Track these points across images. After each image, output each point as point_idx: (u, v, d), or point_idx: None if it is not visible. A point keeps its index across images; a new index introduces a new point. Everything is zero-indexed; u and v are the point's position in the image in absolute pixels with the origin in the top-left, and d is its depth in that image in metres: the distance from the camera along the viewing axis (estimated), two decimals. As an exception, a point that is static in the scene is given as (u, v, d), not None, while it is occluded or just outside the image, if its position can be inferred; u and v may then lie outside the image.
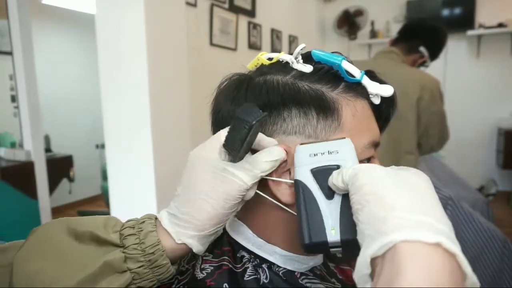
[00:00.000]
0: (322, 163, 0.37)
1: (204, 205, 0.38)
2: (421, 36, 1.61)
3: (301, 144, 0.40)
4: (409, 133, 1.52)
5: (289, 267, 0.45)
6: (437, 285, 0.23)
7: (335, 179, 0.35)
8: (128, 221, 0.40)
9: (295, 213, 0.40)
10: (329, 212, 0.35)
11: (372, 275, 0.27)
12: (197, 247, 0.38)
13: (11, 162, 2.31)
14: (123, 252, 0.35)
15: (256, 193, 0.41)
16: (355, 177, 0.32)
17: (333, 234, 0.34)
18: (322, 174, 0.36)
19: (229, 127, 0.37)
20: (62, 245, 0.35)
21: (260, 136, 0.40)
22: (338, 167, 0.37)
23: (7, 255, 0.36)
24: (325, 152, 0.38)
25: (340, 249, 0.34)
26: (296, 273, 0.45)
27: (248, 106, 0.36)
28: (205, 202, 0.38)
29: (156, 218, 0.40)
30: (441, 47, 1.66)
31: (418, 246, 0.25)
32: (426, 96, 1.50)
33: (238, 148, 0.37)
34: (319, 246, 0.34)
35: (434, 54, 1.65)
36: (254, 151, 0.40)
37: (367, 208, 0.29)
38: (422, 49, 1.61)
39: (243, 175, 0.38)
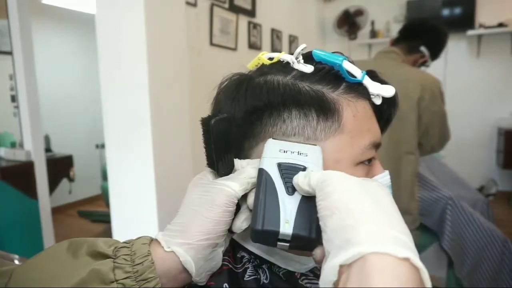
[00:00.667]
0: (290, 160, 0.38)
1: (193, 214, 0.37)
2: (422, 36, 1.61)
3: (274, 138, 0.41)
4: (409, 133, 1.51)
5: (289, 268, 0.45)
6: None
7: (301, 181, 0.35)
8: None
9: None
10: (287, 206, 0.35)
11: (336, 282, 0.28)
12: (184, 256, 0.36)
13: (11, 162, 2.31)
14: (113, 262, 0.35)
15: None
16: (324, 182, 0.32)
17: (286, 226, 0.34)
18: (287, 170, 0.37)
19: (207, 152, 0.39)
20: (60, 259, 0.35)
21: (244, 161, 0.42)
22: (304, 169, 0.37)
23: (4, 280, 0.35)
24: (295, 151, 0.38)
25: (287, 244, 0.34)
26: (296, 274, 0.45)
27: (208, 115, 0.38)
28: (194, 212, 0.38)
29: (152, 238, 0.39)
30: (442, 47, 1.65)
31: (388, 260, 0.25)
32: (426, 96, 1.49)
33: (213, 154, 0.38)
34: (269, 236, 0.34)
35: (435, 54, 1.65)
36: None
37: (337, 216, 0.29)
38: (423, 49, 1.61)
39: (230, 182, 0.38)
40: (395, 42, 1.67)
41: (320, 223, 0.31)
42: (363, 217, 0.28)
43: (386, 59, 1.61)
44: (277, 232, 0.34)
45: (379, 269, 0.25)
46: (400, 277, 0.25)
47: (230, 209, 0.38)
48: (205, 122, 0.37)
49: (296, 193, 0.36)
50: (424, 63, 1.67)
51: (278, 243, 0.35)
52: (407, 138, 1.52)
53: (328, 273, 0.28)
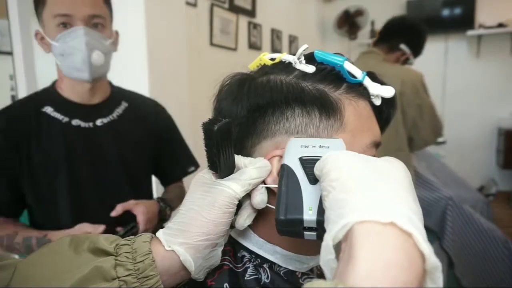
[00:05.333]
0: (312, 153, 0.38)
1: (194, 214, 0.38)
2: (401, 34, 1.65)
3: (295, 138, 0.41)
4: (396, 130, 1.53)
5: (290, 267, 0.45)
6: (392, 265, 0.23)
7: (314, 167, 0.35)
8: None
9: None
10: (310, 194, 0.35)
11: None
12: (184, 255, 0.37)
13: None
14: (115, 260, 0.35)
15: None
16: (323, 162, 0.32)
17: (310, 213, 0.34)
18: (309, 163, 0.37)
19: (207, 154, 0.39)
20: (62, 255, 0.36)
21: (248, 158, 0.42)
22: None
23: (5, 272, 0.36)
24: (316, 145, 0.39)
25: (314, 233, 0.34)
26: (297, 273, 0.45)
27: (210, 119, 0.38)
28: (194, 212, 0.38)
29: (153, 236, 0.40)
30: (422, 43, 1.69)
31: (371, 226, 0.24)
32: (407, 90, 1.52)
33: (215, 158, 0.38)
34: (293, 225, 0.34)
35: (416, 50, 1.69)
36: None
37: (332, 194, 0.29)
38: (403, 46, 1.65)
39: (231, 183, 0.38)
40: (376, 42, 1.72)
41: (323, 205, 0.31)
42: (354, 189, 0.28)
43: (367, 59, 1.66)
44: (301, 220, 0.34)
45: (363, 237, 0.24)
46: (385, 242, 0.23)
47: (230, 210, 0.38)
48: (207, 127, 0.37)
49: (318, 183, 0.36)
50: (406, 61, 1.70)
51: (305, 232, 0.34)
52: (395, 136, 1.53)
53: (324, 251, 0.27)
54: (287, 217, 0.34)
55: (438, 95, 4.00)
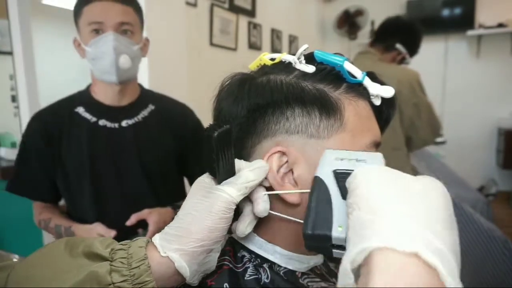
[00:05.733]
0: (347, 167, 0.36)
1: (191, 219, 0.38)
2: (396, 34, 1.66)
3: (329, 149, 0.39)
4: (393, 129, 1.53)
5: (290, 267, 0.45)
6: None
7: (346, 181, 0.34)
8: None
9: (297, 219, 0.41)
10: (341, 211, 0.33)
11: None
12: (179, 262, 0.37)
13: (12, 162, 2.31)
14: (110, 265, 0.35)
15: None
16: (352, 177, 0.31)
17: (339, 230, 0.31)
18: (343, 177, 0.34)
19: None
20: (58, 258, 0.36)
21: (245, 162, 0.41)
22: None
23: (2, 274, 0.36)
24: (353, 159, 0.37)
25: (343, 252, 0.31)
26: (297, 273, 0.45)
27: (211, 125, 0.37)
28: (191, 217, 0.38)
29: (149, 241, 0.40)
30: (418, 42, 1.69)
31: (392, 256, 0.22)
32: (404, 89, 1.52)
33: (214, 164, 0.37)
34: (321, 241, 0.32)
35: (412, 49, 1.69)
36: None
37: (356, 212, 0.27)
38: (399, 46, 1.65)
39: (227, 188, 0.38)
40: (373, 42, 1.73)
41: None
42: (378, 210, 0.26)
43: (363, 59, 1.66)
44: (329, 237, 0.32)
45: (380, 267, 0.22)
46: (405, 277, 0.21)
47: (227, 215, 0.38)
48: (206, 134, 0.37)
49: None
50: (403, 60, 1.71)
51: (334, 250, 0.32)
52: (392, 135, 1.53)
53: (341, 274, 0.25)
54: (314, 232, 0.32)
55: (438, 95, 4.00)
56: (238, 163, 0.41)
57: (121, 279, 0.34)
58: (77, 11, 0.94)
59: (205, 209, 0.37)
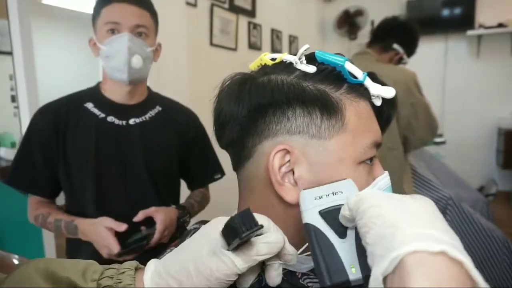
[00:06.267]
0: (329, 204, 0.37)
1: (189, 275, 0.36)
2: (393, 34, 1.66)
3: (304, 189, 0.39)
4: (390, 129, 1.53)
5: (289, 268, 0.45)
6: None
7: (342, 210, 0.35)
8: (109, 268, 0.38)
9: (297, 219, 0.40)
10: (345, 251, 0.35)
11: None
12: None
13: (11, 162, 2.31)
14: None
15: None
16: (359, 201, 0.33)
17: (353, 272, 0.33)
18: (330, 214, 0.36)
19: (228, 220, 0.36)
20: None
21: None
22: None
23: None
24: (329, 193, 0.38)
25: (362, 283, 0.34)
26: (297, 274, 0.45)
27: (246, 214, 0.35)
28: (189, 273, 0.36)
29: (136, 268, 0.39)
30: (415, 42, 1.69)
31: (424, 256, 0.25)
32: (400, 90, 1.52)
33: (231, 243, 0.35)
34: (341, 285, 0.34)
35: (410, 49, 1.69)
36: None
37: (374, 230, 0.29)
38: (396, 46, 1.65)
39: (236, 258, 0.35)
40: (370, 43, 1.73)
41: (362, 242, 0.31)
42: (398, 224, 0.28)
43: (360, 60, 1.65)
44: (348, 281, 0.33)
45: (416, 266, 0.24)
46: (439, 270, 0.24)
47: (225, 283, 0.36)
48: (241, 221, 0.34)
49: (348, 235, 0.36)
50: (400, 60, 1.70)
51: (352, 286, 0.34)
52: (388, 134, 1.53)
53: (373, 285, 0.27)
54: (333, 282, 0.33)
55: (438, 95, 4.00)
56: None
57: None
58: (96, 11, 0.98)
59: (206, 270, 0.35)
